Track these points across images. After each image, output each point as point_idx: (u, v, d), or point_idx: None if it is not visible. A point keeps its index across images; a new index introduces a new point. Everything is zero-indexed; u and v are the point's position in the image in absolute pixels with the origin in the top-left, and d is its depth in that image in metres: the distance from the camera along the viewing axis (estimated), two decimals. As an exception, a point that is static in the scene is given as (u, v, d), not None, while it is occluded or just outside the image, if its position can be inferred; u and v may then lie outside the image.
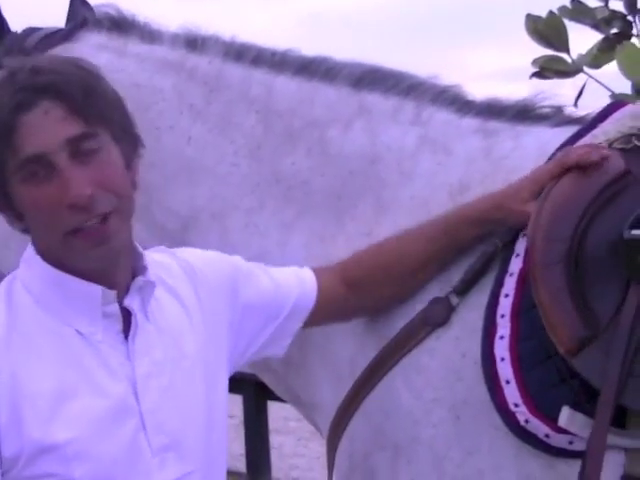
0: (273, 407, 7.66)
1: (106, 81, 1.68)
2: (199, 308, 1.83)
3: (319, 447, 7.78)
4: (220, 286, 1.89)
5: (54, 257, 1.66)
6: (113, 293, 1.67)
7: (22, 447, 1.56)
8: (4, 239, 2.57)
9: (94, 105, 1.62)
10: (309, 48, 2.39)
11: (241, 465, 7.81)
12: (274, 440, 8.03)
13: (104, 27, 2.50)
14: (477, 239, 2.04)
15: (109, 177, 1.62)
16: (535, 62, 2.18)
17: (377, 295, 2.08)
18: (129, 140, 1.70)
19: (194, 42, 2.43)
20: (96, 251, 1.62)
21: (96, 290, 1.65)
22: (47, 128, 1.59)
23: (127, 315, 1.70)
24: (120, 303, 1.69)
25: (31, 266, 1.69)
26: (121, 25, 2.49)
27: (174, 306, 1.80)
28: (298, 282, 2.03)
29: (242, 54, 2.39)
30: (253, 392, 7.38)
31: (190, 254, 1.91)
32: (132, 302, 1.70)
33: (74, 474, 1.58)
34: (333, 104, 2.30)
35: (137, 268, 1.73)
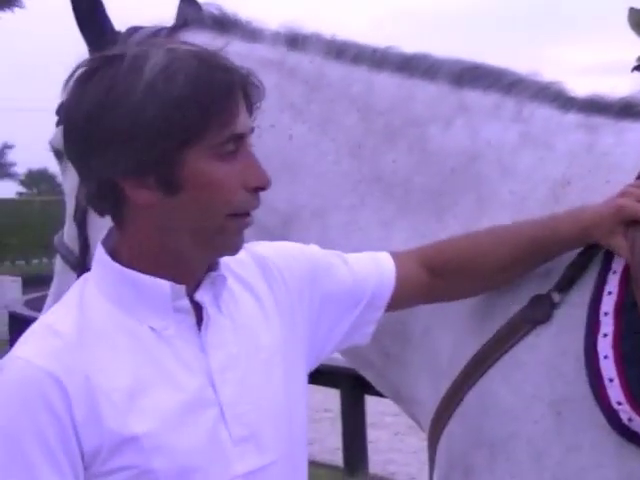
0: (370, 402, 7.67)
1: None
2: (273, 301, 1.84)
3: (416, 442, 7.76)
4: (296, 279, 1.89)
5: (156, 249, 1.67)
6: (182, 288, 1.68)
7: (101, 442, 1.57)
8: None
9: (256, 108, 1.71)
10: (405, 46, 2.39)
11: (338, 459, 7.84)
12: (371, 434, 8.04)
13: (206, 26, 2.54)
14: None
15: None
16: (640, 57, 2.16)
17: (456, 286, 2.08)
18: None
19: (295, 40, 2.45)
20: (239, 239, 1.70)
21: (164, 286, 1.67)
22: (244, 112, 1.67)
23: (200, 309, 1.71)
24: (192, 297, 1.70)
25: (102, 266, 1.71)
26: (223, 24, 2.52)
27: (248, 299, 1.81)
28: (377, 270, 2.01)
29: (343, 52, 2.40)
30: (350, 386, 7.41)
31: (264, 248, 1.92)
32: (203, 296, 1.71)
33: (153, 465, 1.59)
34: (434, 101, 2.30)
35: (210, 263, 1.75)
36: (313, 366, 1.93)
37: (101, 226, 2.64)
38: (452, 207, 2.22)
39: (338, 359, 2.72)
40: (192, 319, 1.70)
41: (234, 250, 1.72)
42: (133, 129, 1.59)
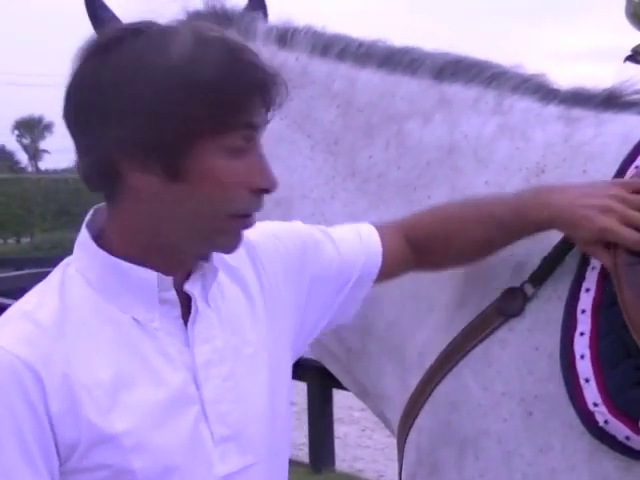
0: (337, 396, 7.61)
1: None
2: (261, 292, 1.79)
3: (384, 438, 7.72)
4: (285, 262, 1.85)
5: (148, 241, 1.61)
6: (170, 279, 1.62)
7: (79, 436, 1.51)
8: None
9: (276, 108, 1.64)
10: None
11: (303, 455, 7.74)
12: (338, 430, 7.98)
13: (204, 21, 2.50)
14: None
15: None
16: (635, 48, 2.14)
17: (436, 260, 2.05)
18: None
19: (284, 37, 2.44)
20: (237, 240, 1.63)
21: (152, 276, 1.60)
22: (261, 110, 1.61)
23: (188, 301, 1.66)
24: (180, 288, 1.64)
25: (86, 251, 1.63)
26: (220, 19, 2.49)
27: (236, 292, 1.76)
28: (362, 247, 1.97)
29: (329, 48, 2.39)
30: (318, 379, 7.33)
31: (252, 232, 1.83)
32: (193, 287, 1.65)
33: (132, 465, 1.53)
34: (414, 97, 2.28)
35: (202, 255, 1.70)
36: (300, 353, 1.89)
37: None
38: (424, 201, 2.19)
39: (305, 351, 2.71)
40: (177, 311, 1.64)
41: (230, 250, 1.65)
42: (149, 107, 1.52)
